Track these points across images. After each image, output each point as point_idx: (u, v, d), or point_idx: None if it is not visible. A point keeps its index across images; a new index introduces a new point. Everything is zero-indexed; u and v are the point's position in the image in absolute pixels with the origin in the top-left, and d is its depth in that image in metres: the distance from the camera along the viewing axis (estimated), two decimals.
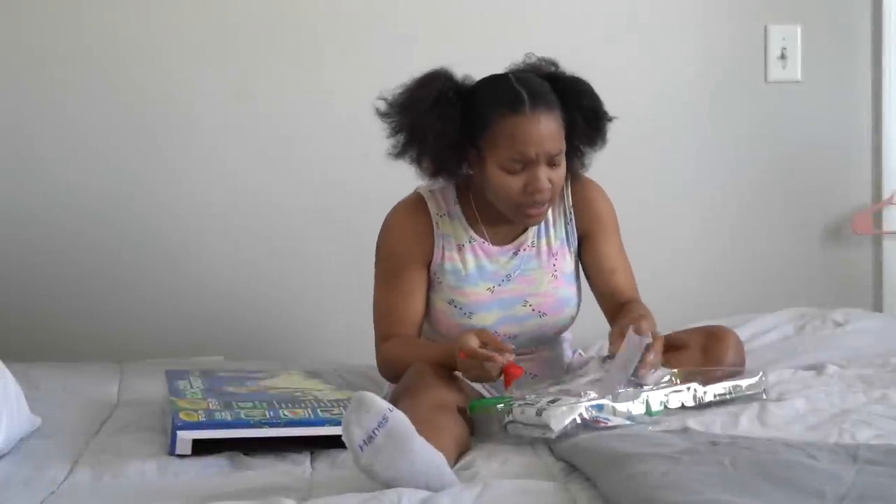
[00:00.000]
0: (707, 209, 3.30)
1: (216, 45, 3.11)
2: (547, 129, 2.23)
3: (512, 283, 2.36)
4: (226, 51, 3.11)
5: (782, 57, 3.27)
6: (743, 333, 2.66)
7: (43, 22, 3.06)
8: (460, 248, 2.36)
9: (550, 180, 2.26)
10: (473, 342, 2.12)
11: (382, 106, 2.32)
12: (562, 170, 2.28)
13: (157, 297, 3.12)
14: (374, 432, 1.72)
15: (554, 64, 2.36)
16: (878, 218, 3.30)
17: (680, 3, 3.26)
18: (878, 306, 3.30)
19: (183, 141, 3.11)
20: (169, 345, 3.07)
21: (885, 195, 3.28)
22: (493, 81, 2.30)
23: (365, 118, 2.96)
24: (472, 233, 2.37)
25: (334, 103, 3.13)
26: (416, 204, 2.39)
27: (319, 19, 3.14)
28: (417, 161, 2.32)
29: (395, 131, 2.32)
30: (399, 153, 2.33)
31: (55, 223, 3.08)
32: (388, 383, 2.38)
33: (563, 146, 2.27)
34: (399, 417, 1.74)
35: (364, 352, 3.07)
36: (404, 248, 2.36)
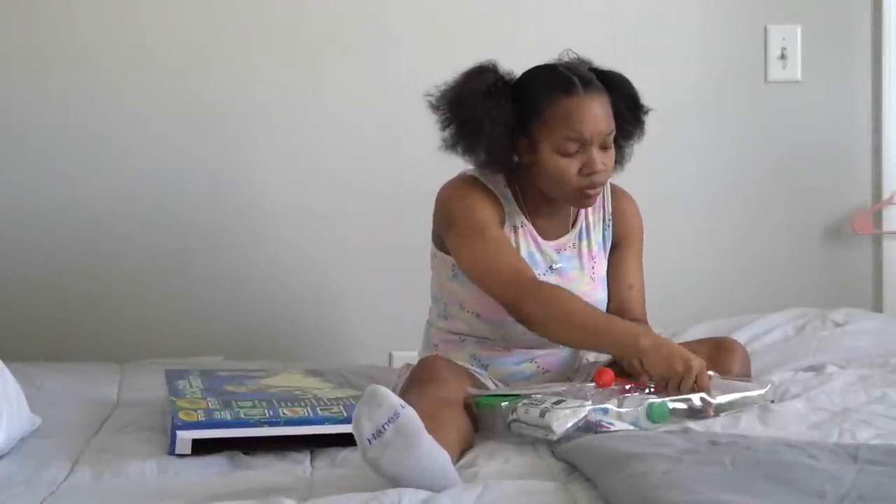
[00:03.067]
0: (707, 209, 3.30)
1: (222, 44, 3.11)
2: (600, 109, 2.28)
3: (554, 275, 2.36)
4: (231, 50, 3.11)
5: (782, 57, 3.27)
6: (744, 334, 2.67)
7: (46, 21, 3.06)
8: (515, 229, 2.37)
9: (604, 163, 2.28)
10: None
11: (433, 100, 2.33)
12: (612, 153, 2.32)
13: (157, 297, 3.12)
14: (383, 427, 1.72)
15: (588, 63, 2.40)
16: (878, 218, 3.30)
17: (680, 3, 3.26)
18: (878, 306, 3.30)
19: (183, 142, 3.11)
20: (169, 345, 3.07)
21: (885, 195, 3.28)
22: (541, 70, 2.33)
23: (369, 120, 2.98)
24: (523, 217, 2.38)
25: (341, 104, 3.13)
26: (474, 181, 2.36)
27: (341, 19, 3.14)
28: (470, 151, 2.32)
29: (446, 124, 2.33)
30: (452, 145, 2.33)
31: (55, 223, 3.08)
32: (396, 377, 2.40)
33: (614, 126, 2.31)
34: (410, 414, 1.74)
35: (364, 353, 3.08)
36: (483, 207, 2.31)
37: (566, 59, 2.39)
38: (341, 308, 3.15)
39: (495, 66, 2.34)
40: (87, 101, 3.08)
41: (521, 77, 2.34)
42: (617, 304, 2.44)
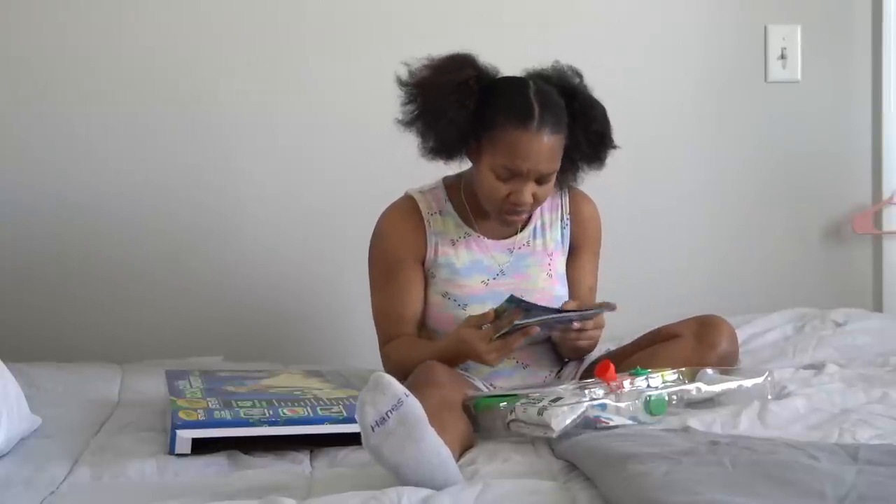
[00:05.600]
0: (707, 209, 3.30)
1: (219, 45, 3.11)
2: (546, 149, 2.28)
3: (507, 277, 2.40)
4: (229, 50, 3.11)
5: (782, 57, 3.27)
6: (743, 333, 2.67)
7: (44, 23, 3.06)
8: (454, 242, 2.40)
9: (535, 195, 2.32)
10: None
11: (404, 74, 2.36)
12: (549, 186, 2.34)
13: (157, 297, 3.12)
14: (387, 414, 1.72)
15: (579, 75, 2.40)
16: (878, 218, 3.30)
17: (680, 3, 3.26)
18: (878, 306, 3.30)
19: (183, 142, 3.11)
20: (169, 345, 3.07)
21: (885, 195, 3.28)
22: (512, 86, 2.34)
23: (369, 119, 2.97)
24: (466, 228, 2.41)
25: (341, 103, 3.13)
26: (406, 205, 2.44)
27: (339, 16, 3.14)
28: (422, 136, 2.37)
29: (408, 102, 2.37)
30: (407, 123, 2.38)
31: (55, 223, 3.08)
32: None
33: (557, 166, 2.33)
34: (413, 404, 1.74)
35: (364, 353, 3.07)
36: (395, 248, 2.41)
37: (559, 66, 2.39)
38: (341, 309, 3.14)
39: (475, 62, 2.35)
40: (87, 103, 3.08)
41: (496, 81, 2.36)
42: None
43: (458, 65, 2.33)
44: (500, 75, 2.37)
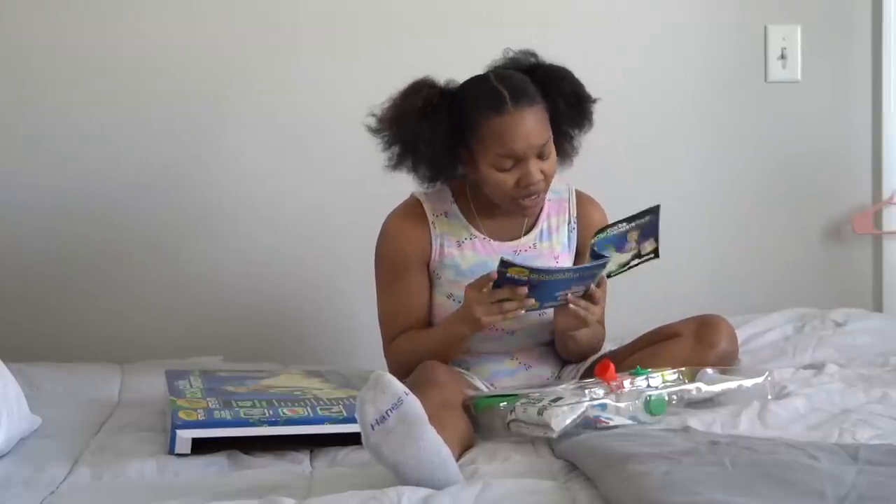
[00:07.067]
0: (707, 209, 3.30)
1: (219, 42, 3.10)
2: (531, 123, 2.29)
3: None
4: (228, 48, 3.11)
5: (782, 57, 3.27)
6: (743, 333, 2.67)
7: (45, 20, 3.06)
8: (460, 244, 2.40)
9: (542, 171, 2.32)
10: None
11: (373, 122, 2.38)
12: (552, 159, 2.34)
13: (157, 297, 3.12)
14: (387, 413, 1.72)
15: (533, 55, 2.42)
16: (878, 218, 3.30)
17: (680, 3, 3.26)
18: (878, 306, 3.30)
19: (183, 141, 3.11)
20: (169, 345, 3.07)
21: (885, 195, 3.28)
22: (474, 83, 2.36)
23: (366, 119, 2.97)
24: (472, 230, 2.41)
25: (343, 102, 3.11)
26: (411, 207, 2.45)
27: (340, 15, 3.14)
28: (414, 169, 2.39)
29: (388, 144, 2.38)
30: (395, 164, 2.39)
31: (55, 223, 3.08)
32: None
33: (549, 135, 2.33)
34: (413, 402, 1.75)
35: (365, 353, 3.08)
36: (401, 251, 2.41)
37: (510, 55, 2.41)
38: (342, 309, 3.14)
39: (432, 81, 2.36)
40: (86, 103, 3.08)
41: (458, 88, 2.37)
42: None
43: (416, 89, 2.35)
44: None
